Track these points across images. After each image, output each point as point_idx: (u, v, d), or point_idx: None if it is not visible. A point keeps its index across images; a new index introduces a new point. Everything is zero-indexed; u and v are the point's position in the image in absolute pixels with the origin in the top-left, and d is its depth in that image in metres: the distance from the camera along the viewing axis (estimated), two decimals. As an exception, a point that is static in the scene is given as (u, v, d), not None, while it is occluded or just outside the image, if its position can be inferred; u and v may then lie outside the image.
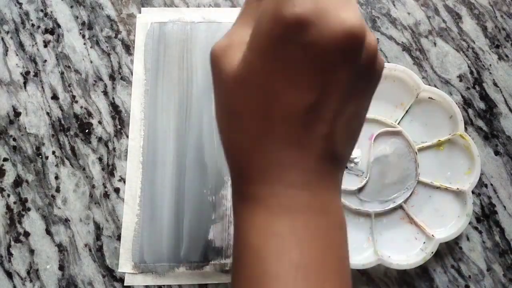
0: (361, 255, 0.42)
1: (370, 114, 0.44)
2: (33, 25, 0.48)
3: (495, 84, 0.47)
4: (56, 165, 0.44)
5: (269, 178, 0.23)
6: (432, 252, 0.40)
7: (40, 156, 0.45)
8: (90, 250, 0.43)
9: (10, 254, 0.42)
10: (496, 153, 0.45)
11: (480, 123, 0.46)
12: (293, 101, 0.22)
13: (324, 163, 0.23)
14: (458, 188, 0.42)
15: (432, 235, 0.41)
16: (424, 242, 0.42)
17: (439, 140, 0.43)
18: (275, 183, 0.23)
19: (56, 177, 0.44)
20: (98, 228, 0.43)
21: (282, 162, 0.23)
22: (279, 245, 0.22)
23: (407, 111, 0.44)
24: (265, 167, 0.23)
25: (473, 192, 0.43)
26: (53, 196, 0.44)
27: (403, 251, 0.42)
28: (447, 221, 0.42)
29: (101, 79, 0.47)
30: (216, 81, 0.24)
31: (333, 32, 0.20)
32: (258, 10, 0.23)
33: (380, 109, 0.44)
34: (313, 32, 0.20)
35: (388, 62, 0.47)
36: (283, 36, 0.20)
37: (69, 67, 0.47)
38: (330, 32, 0.20)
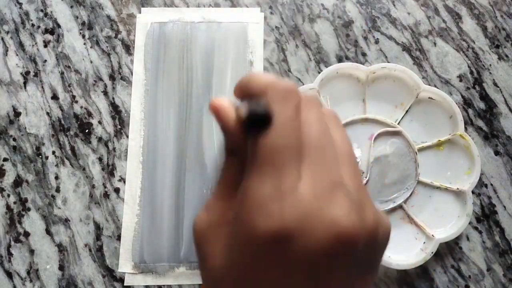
0: (361, 255, 0.42)
1: (370, 114, 0.44)
2: (33, 25, 0.48)
3: (495, 84, 0.47)
4: (56, 165, 0.44)
5: None
6: (432, 252, 0.40)
7: (40, 156, 0.45)
8: (90, 250, 0.43)
9: (10, 254, 0.42)
10: (496, 153, 0.45)
11: (480, 123, 0.46)
12: None
13: None
14: (458, 188, 0.42)
15: (432, 235, 0.41)
16: (424, 242, 0.42)
17: (439, 140, 0.43)
18: None
19: (56, 177, 0.44)
20: (98, 228, 0.43)
21: None
22: None
23: (407, 111, 0.44)
24: None
25: (473, 192, 0.43)
26: (53, 196, 0.44)
27: (403, 251, 0.42)
28: (447, 221, 0.42)
29: (101, 79, 0.47)
30: (201, 265, 0.22)
31: (320, 240, 0.17)
32: (237, 174, 0.21)
33: (380, 109, 0.44)
34: (296, 244, 0.17)
35: (388, 62, 0.47)
36: (262, 249, 0.18)
37: (69, 67, 0.47)
38: (317, 241, 0.17)
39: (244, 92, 0.23)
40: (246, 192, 0.19)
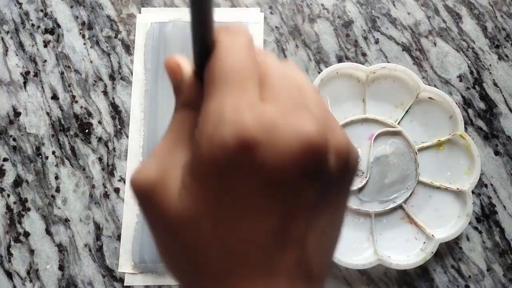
0: (361, 255, 0.42)
1: (370, 114, 0.44)
2: (33, 25, 0.48)
3: (495, 84, 0.47)
4: (56, 165, 0.44)
5: None
6: (432, 252, 0.40)
7: (40, 156, 0.45)
8: (90, 250, 0.43)
9: (10, 254, 0.42)
10: (496, 153, 0.45)
11: (480, 123, 0.46)
12: (254, 231, 0.18)
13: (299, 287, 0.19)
14: (458, 188, 0.42)
15: (432, 235, 0.41)
16: (424, 242, 0.42)
17: (439, 140, 0.43)
18: None
19: (56, 177, 0.44)
20: (98, 228, 0.43)
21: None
22: None
23: (407, 111, 0.44)
24: None
25: (473, 192, 0.43)
26: (53, 196, 0.44)
27: (403, 251, 0.42)
28: (447, 221, 0.42)
29: (101, 79, 0.47)
30: (153, 221, 0.20)
31: (287, 149, 0.17)
32: (192, 126, 0.19)
33: (380, 109, 0.44)
34: (262, 153, 0.17)
35: (388, 62, 0.47)
36: (227, 164, 0.17)
37: (69, 67, 0.47)
38: (283, 150, 0.17)
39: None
40: (206, 109, 0.18)
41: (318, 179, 0.18)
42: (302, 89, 0.19)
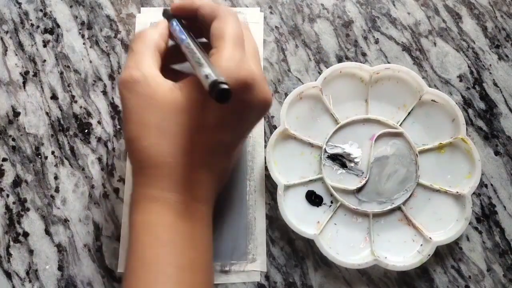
0: (357, 254, 0.42)
1: (372, 115, 0.44)
2: (32, 25, 0.48)
3: (495, 84, 0.47)
4: (56, 165, 0.44)
5: (188, 193, 0.32)
6: (429, 255, 0.40)
7: (39, 156, 0.45)
8: (89, 250, 0.43)
9: (9, 254, 0.42)
10: (496, 153, 0.45)
11: (480, 123, 0.46)
12: (216, 138, 0.31)
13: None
14: (457, 192, 0.42)
15: (430, 238, 0.41)
16: (421, 245, 0.42)
17: (441, 143, 0.43)
18: (187, 195, 0.32)
19: (56, 177, 0.44)
20: (97, 228, 0.43)
21: (198, 179, 0.32)
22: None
23: (409, 113, 0.44)
24: (186, 183, 0.31)
25: (473, 193, 0.43)
26: (52, 196, 0.44)
27: (400, 252, 0.42)
28: (445, 224, 0.42)
29: (100, 79, 0.46)
30: (141, 102, 0.31)
31: (263, 99, 0.31)
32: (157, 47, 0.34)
33: (382, 110, 0.44)
34: (253, 92, 0.30)
35: (388, 62, 0.47)
36: (236, 88, 0.28)
37: (68, 67, 0.47)
38: (261, 98, 0.31)
39: (190, 11, 0.34)
40: (226, 53, 0.30)
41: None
42: (256, 51, 0.34)
